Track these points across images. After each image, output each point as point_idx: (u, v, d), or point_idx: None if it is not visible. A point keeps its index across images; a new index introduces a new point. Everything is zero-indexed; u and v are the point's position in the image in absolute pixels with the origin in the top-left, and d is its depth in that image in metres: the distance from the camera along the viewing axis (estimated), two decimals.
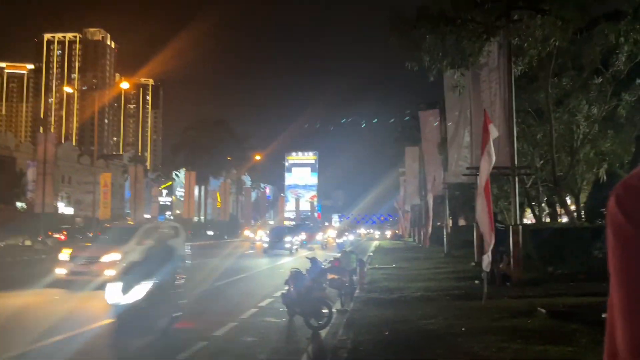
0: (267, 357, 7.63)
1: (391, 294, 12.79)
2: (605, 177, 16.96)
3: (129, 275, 8.01)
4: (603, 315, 0.83)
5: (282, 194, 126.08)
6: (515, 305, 10.39)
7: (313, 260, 10.36)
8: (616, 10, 14.49)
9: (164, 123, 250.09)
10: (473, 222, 42.86)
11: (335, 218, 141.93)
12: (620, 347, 0.71)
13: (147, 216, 67.26)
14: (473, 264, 19.76)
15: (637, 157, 16.93)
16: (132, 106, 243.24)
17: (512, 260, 13.32)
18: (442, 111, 27.55)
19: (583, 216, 17.99)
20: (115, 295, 7.79)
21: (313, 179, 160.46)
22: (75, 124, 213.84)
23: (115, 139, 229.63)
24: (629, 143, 17.58)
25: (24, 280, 16.60)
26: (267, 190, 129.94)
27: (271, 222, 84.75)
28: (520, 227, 13.48)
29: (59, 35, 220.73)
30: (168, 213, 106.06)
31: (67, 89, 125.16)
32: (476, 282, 14.30)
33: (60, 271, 14.92)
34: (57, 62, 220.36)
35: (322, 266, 10.46)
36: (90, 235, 33.03)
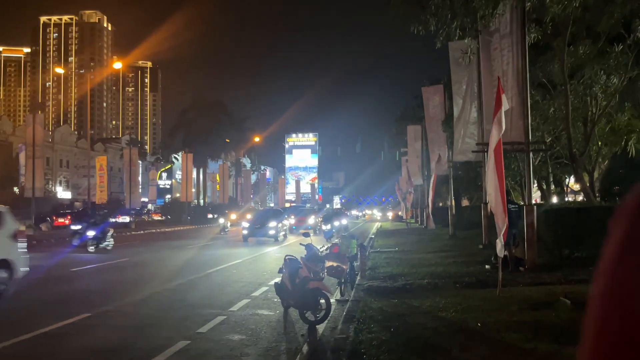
0: None
1: (395, 281, 11.78)
2: (633, 152, 15.81)
3: None
4: None
5: (282, 176, 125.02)
6: (533, 294, 9.38)
7: (308, 246, 9.32)
8: None
9: (163, 106, 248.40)
10: (477, 202, 41.99)
11: (336, 199, 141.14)
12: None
13: (145, 199, 66.53)
14: (481, 246, 18.76)
15: None
16: (130, 89, 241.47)
17: (525, 243, 12.27)
18: (447, 87, 26.42)
19: (597, 195, 16.90)
20: None
21: (313, 161, 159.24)
22: (73, 108, 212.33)
23: (114, 122, 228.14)
24: None
25: None
26: (268, 173, 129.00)
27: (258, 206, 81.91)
28: (535, 207, 12.39)
29: (55, 18, 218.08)
30: (168, 196, 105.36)
31: (59, 70, 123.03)
32: (487, 267, 13.31)
33: None
34: (53, 45, 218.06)
35: (319, 253, 9.40)
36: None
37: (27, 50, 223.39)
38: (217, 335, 7.69)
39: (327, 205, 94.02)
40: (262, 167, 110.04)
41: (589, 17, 15.06)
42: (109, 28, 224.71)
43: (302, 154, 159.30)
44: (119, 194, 79.44)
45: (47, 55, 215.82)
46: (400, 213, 69.87)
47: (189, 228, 44.87)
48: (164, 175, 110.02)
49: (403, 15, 11.79)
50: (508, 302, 8.76)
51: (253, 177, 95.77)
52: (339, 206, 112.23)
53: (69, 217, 58.02)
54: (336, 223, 30.90)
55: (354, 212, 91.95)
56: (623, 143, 16.18)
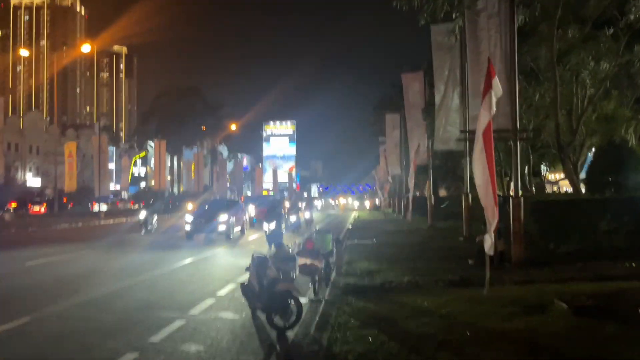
0: None
1: (372, 278, 10.94)
2: (634, 141, 15.21)
3: None
4: None
5: (259, 165, 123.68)
6: (524, 295, 8.61)
7: (278, 243, 8.39)
8: None
9: (140, 93, 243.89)
10: (455, 192, 41.56)
11: (314, 188, 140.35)
12: None
13: (117, 187, 64.86)
14: (461, 239, 18.09)
15: None
16: (105, 75, 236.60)
17: (512, 237, 11.54)
18: (427, 74, 25.62)
19: (583, 187, 16.31)
20: None
21: (291, 150, 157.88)
22: (45, 93, 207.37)
23: (88, 108, 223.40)
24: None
25: None
26: (245, 161, 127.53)
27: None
28: (522, 199, 11.65)
29: (26, 1, 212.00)
30: (142, 184, 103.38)
31: (24, 52, 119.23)
32: (470, 262, 12.55)
33: None
34: (24, 28, 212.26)
35: (290, 250, 8.49)
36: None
37: None
38: (171, 346, 6.75)
39: (305, 194, 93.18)
40: (240, 156, 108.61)
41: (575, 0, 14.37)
42: (82, 12, 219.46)
43: (280, 142, 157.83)
44: (91, 181, 77.45)
45: (18, 38, 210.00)
46: (377, 202, 69.42)
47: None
48: (139, 162, 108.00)
49: None
50: (497, 304, 7.98)
51: (230, 166, 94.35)
52: (317, 194, 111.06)
53: (45, 204, 56.26)
54: (292, 218, 26.54)
55: (319, 202, 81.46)
56: (610, 133, 15.57)
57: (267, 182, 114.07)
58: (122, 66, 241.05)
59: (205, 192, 58.02)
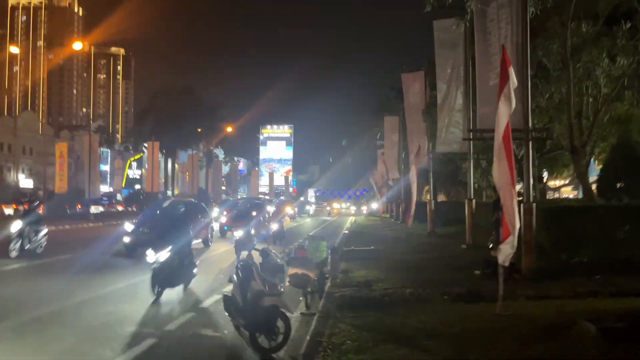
0: None
1: (371, 289, 9.98)
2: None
3: None
4: None
5: (255, 168, 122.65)
6: (541, 313, 7.66)
7: (264, 252, 7.40)
8: None
9: (137, 94, 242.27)
10: (455, 198, 40.57)
11: (310, 193, 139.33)
12: None
13: (109, 189, 63.77)
14: (464, 246, 17.14)
15: None
16: (102, 76, 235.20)
17: (523, 246, 10.58)
18: (428, 75, 24.75)
19: (595, 192, 15.38)
20: None
21: (288, 153, 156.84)
22: (42, 94, 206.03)
23: (85, 110, 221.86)
24: None
25: None
26: (241, 164, 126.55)
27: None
28: (534, 205, 10.70)
29: (24, 1, 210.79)
30: (137, 186, 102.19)
31: (14, 49, 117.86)
32: (476, 272, 11.61)
33: None
34: (22, 29, 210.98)
35: (279, 260, 7.51)
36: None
37: None
38: None
39: (301, 199, 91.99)
40: (236, 159, 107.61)
41: None
42: (80, 13, 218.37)
43: (276, 146, 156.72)
44: (84, 184, 76.25)
45: (15, 39, 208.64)
46: (375, 207, 68.44)
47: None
48: (135, 165, 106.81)
49: None
50: (513, 324, 7.01)
51: (226, 169, 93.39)
52: (313, 199, 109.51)
53: (43, 206, 54.64)
54: (273, 226, 20.92)
55: (311, 207, 70.73)
56: (623, 135, 14.65)
57: (264, 186, 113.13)
58: (119, 68, 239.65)
59: (200, 195, 56.77)
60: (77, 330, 7.55)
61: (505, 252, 7.70)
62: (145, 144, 64.71)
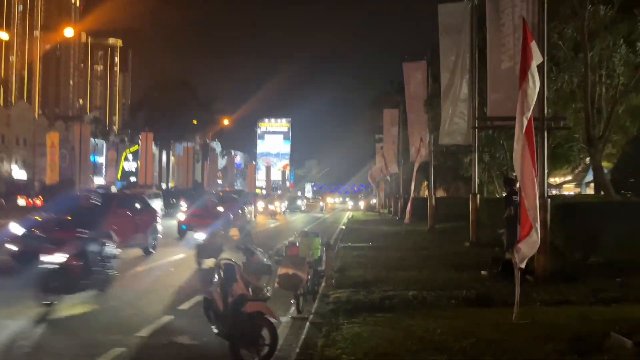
0: None
1: (369, 290, 9.04)
2: None
3: None
4: None
5: (252, 162, 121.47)
6: (565, 321, 6.74)
7: (248, 250, 6.45)
8: None
9: (134, 87, 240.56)
10: (455, 193, 39.64)
11: (308, 187, 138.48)
12: None
13: (101, 181, 62.60)
14: (467, 244, 16.21)
15: None
16: (99, 68, 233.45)
17: None
18: (430, 65, 23.80)
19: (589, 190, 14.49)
20: None
21: (286, 147, 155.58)
22: (38, 85, 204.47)
23: (81, 101, 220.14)
24: None
25: None
26: (238, 158, 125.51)
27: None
28: (549, 200, 9.78)
29: None
30: (133, 179, 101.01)
31: (3, 35, 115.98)
32: (482, 272, 10.69)
33: None
34: (18, 19, 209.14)
35: (265, 259, 6.56)
36: None
37: None
38: None
39: (290, 193, 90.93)
40: (233, 152, 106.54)
41: None
42: (77, 4, 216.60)
43: (274, 140, 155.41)
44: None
45: (11, 29, 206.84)
46: (373, 202, 67.57)
47: None
48: (131, 157, 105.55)
49: None
50: (534, 335, 6.10)
51: (222, 162, 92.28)
52: (310, 194, 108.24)
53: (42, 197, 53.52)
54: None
55: (302, 203, 63.14)
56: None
57: (261, 180, 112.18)
58: (116, 59, 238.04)
59: (195, 188, 55.57)
60: None
61: (524, 252, 6.79)
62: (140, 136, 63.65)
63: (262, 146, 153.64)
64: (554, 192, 41.56)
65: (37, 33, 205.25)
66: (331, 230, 25.14)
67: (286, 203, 55.29)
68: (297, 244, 8.31)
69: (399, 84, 32.88)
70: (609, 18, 13.12)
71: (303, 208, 58.89)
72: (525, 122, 6.40)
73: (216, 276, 6.16)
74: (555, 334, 6.14)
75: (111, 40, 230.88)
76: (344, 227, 29.16)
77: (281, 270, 7.55)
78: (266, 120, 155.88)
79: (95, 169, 71.45)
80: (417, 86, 23.89)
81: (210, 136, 71.00)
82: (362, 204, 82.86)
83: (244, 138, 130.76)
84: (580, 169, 34.58)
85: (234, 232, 17.27)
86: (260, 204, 42.62)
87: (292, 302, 8.10)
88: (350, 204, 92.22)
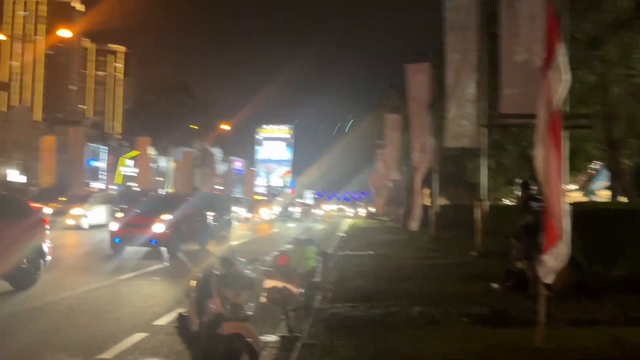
0: None
1: (370, 305, 8.13)
2: None
3: None
4: None
5: (252, 168, 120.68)
6: (597, 347, 5.81)
7: (226, 260, 5.45)
8: None
9: (136, 92, 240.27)
10: (457, 201, 38.66)
11: (308, 194, 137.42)
12: None
13: (101, 187, 61.81)
14: (474, 253, 15.25)
15: None
16: (102, 73, 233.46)
17: None
18: (434, 66, 22.90)
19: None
20: None
21: (287, 154, 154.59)
22: (42, 89, 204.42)
23: (82, 106, 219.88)
24: None
25: None
26: (238, 164, 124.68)
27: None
28: (570, 206, 8.83)
29: None
30: (131, 184, 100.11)
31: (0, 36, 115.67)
32: (494, 285, 9.76)
33: None
34: (21, 24, 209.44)
35: (248, 272, 5.58)
36: None
37: None
38: None
39: (299, 200, 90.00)
40: (231, 158, 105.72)
41: None
42: (80, 9, 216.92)
43: (275, 146, 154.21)
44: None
45: (14, 34, 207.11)
46: (373, 209, 66.65)
47: None
48: (131, 163, 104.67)
49: None
50: None
51: (221, 167, 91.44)
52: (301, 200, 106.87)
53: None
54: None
55: (295, 208, 57.33)
56: None
57: (261, 186, 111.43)
58: (119, 65, 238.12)
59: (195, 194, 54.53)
60: None
61: (551, 266, 5.86)
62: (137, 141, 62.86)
63: (262, 152, 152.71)
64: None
65: (38, 37, 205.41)
66: (329, 239, 24.16)
67: (279, 210, 52.69)
68: (287, 252, 7.36)
69: (400, 89, 32.12)
70: (629, 12, 12.28)
71: (298, 216, 52.69)
72: (548, 121, 5.51)
73: (191, 295, 5.19)
74: None
75: (113, 46, 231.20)
76: (343, 234, 28.26)
77: (269, 284, 6.60)
78: (265, 126, 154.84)
79: (95, 173, 70.68)
80: (420, 88, 22.96)
81: (208, 141, 70.23)
82: (362, 211, 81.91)
83: (245, 144, 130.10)
84: (586, 177, 33.52)
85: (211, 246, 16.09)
86: (242, 211, 38.41)
87: (282, 316, 7.15)
88: (351, 211, 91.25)
